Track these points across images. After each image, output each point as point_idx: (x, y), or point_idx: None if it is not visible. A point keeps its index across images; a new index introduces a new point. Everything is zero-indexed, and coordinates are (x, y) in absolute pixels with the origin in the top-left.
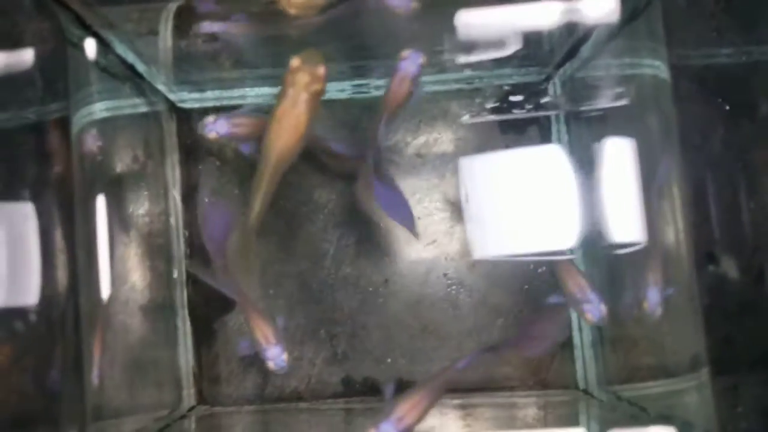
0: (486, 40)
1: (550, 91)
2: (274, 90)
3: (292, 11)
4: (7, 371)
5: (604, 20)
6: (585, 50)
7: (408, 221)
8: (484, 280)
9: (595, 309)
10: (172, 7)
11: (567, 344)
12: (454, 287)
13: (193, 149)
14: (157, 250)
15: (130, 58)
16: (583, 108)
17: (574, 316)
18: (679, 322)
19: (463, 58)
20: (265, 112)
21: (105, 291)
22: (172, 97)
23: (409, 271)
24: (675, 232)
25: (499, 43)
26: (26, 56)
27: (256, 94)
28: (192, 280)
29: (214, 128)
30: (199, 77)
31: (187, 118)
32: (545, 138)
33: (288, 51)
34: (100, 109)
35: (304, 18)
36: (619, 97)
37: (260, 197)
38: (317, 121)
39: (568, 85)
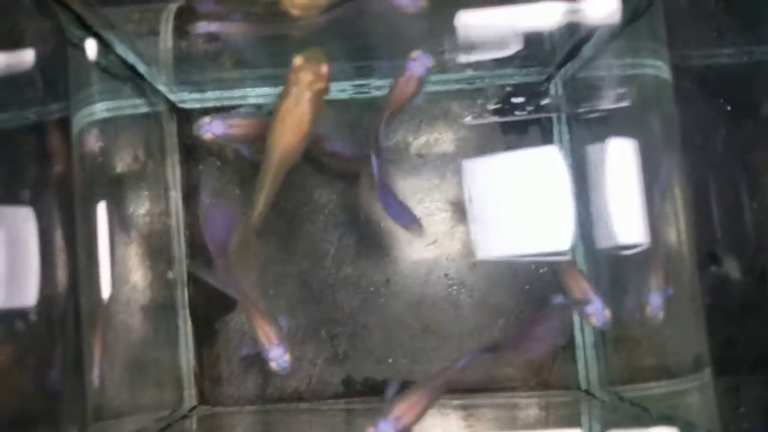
0: (487, 40)
1: (552, 91)
2: (275, 90)
3: (295, 12)
4: (7, 371)
5: (605, 21)
6: (586, 50)
7: (409, 222)
8: (485, 281)
9: (599, 314)
10: (173, 7)
11: (569, 345)
12: (455, 287)
13: (193, 149)
14: (157, 250)
15: (131, 58)
16: (584, 108)
17: (576, 316)
18: (682, 323)
19: (464, 58)
20: (264, 113)
21: (105, 291)
22: (172, 97)
23: (410, 271)
24: (677, 232)
25: (500, 43)
26: (27, 56)
27: (256, 94)
28: (193, 280)
29: (210, 129)
30: (200, 78)
31: (187, 119)
32: (546, 139)
33: (289, 51)
34: (100, 109)
35: (306, 18)
36: (620, 97)
37: (263, 196)
38: (320, 120)
39: (570, 85)
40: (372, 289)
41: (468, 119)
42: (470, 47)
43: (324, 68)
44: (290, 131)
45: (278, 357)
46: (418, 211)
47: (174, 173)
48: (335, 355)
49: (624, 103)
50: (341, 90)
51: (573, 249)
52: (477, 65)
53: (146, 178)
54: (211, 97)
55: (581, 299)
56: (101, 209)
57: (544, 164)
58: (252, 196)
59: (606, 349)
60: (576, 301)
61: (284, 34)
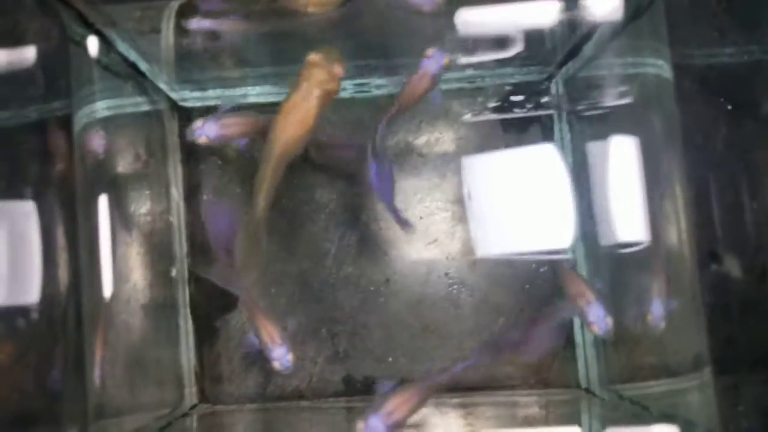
0: (488, 38)
1: (552, 90)
2: (276, 88)
3: (311, 9)
4: (8, 370)
5: (606, 19)
6: (587, 49)
7: (395, 211)
8: (485, 280)
9: (601, 322)
10: (175, 5)
11: (569, 343)
12: (455, 286)
13: (194, 148)
14: (158, 249)
15: (132, 56)
16: (585, 107)
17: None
18: (682, 322)
19: (465, 57)
20: (257, 110)
21: (107, 290)
22: (174, 95)
23: (410, 271)
24: (678, 231)
25: (501, 42)
26: (28, 54)
27: (258, 92)
28: (194, 279)
29: (204, 132)
30: (201, 76)
31: (188, 117)
32: (547, 137)
33: (290, 49)
34: (102, 107)
35: (320, 14)
36: (621, 96)
37: (264, 188)
38: (324, 120)
39: (571, 84)
40: (372, 288)
41: (468, 118)
42: (471, 46)
43: (338, 69)
44: (294, 125)
45: (281, 357)
46: (418, 210)
47: (175, 172)
48: (336, 353)
49: (625, 102)
50: (342, 89)
51: (573, 248)
52: (478, 64)
53: (147, 177)
54: (213, 96)
55: (583, 307)
56: (102, 207)
57: (544, 162)
58: (252, 189)
59: (606, 348)
60: (578, 309)
61: (285, 32)
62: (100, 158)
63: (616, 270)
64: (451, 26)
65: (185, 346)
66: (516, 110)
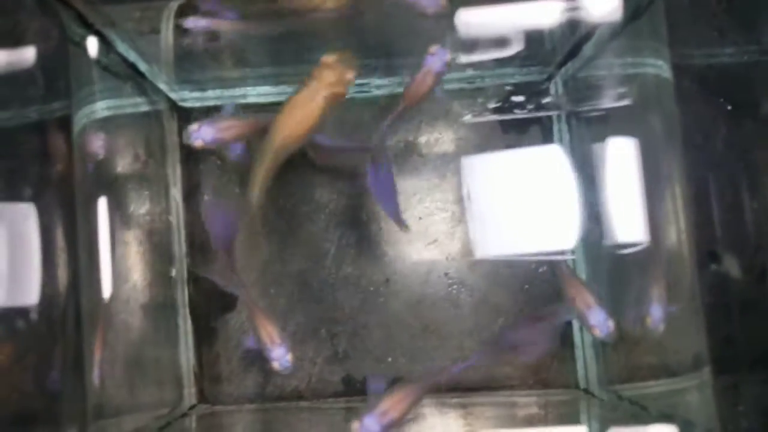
0: (488, 39)
1: (552, 90)
2: (276, 89)
3: (329, 4)
4: (8, 370)
5: (606, 19)
6: (587, 49)
7: (398, 214)
8: (484, 280)
9: (602, 325)
10: (174, 5)
11: (568, 344)
12: (455, 287)
13: (193, 148)
14: (158, 249)
15: (132, 56)
16: (584, 107)
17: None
18: (681, 322)
19: (465, 58)
20: (254, 112)
21: (106, 290)
22: (173, 96)
23: (410, 271)
24: (677, 231)
25: (501, 42)
26: (28, 54)
27: (257, 93)
28: (193, 279)
29: (200, 136)
30: (201, 76)
31: (188, 117)
32: (547, 138)
33: (289, 50)
34: (101, 107)
35: (323, 14)
36: (621, 96)
37: (258, 182)
38: (326, 122)
39: (570, 84)
40: (372, 288)
41: (468, 118)
42: (471, 46)
43: (350, 74)
44: (296, 121)
45: (280, 357)
46: (418, 210)
47: (175, 172)
48: (335, 354)
49: (624, 102)
50: None
51: (573, 250)
52: (478, 64)
53: (147, 177)
54: (212, 96)
55: (585, 311)
56: (102, 208)
57: (544, 163)
58: (248, 181)
59: (605, 348)
60: (579, 313)
61: (285, 33)
62: (99, 158)
63: (615, 271)
64: (451, 26)
65: (184, 346)
66: (516, 111)
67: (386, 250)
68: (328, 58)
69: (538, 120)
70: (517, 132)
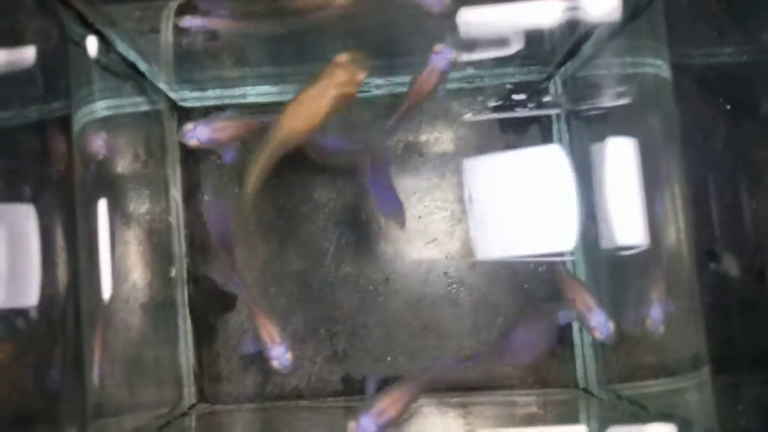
0: (488, 38)
1: (552, 89)
2: (276, 88)
3: (335, 3)
4: (8, 369)
5: (605, 19)
6: (586, 49)
7: (393, 211)
8: (484, 279)
9: (603, 327)
10: (173, 5)
11: (567, 343)
12: (454, 286)
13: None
14: (157, 249)
15: (132, 56)
16: (584, 107)
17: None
18: (680, 321)
19: (464, 57)
20: (252, 113)
21: (106, 289)
22: (173, 95)
23: (409, 270)
24: (676, 231)
25: (501, 42)
26: (28, 54)
27: (257, 92)
28: (193, 279)
29: (195, 135)
30: (201, 76)
31: (188, 117)
32: (546, 137)
33: (289, 50)
34: (101, 107)
35: (323, 14)
36: (620, 96)
37: (255, 173)
38: (331, 122)
39: (570, 84)
40: (371, 287)
41: (468, 117)
42: (471, 45)
43: (360, 76)
44: (301, 117)
45: (280, 356)
46: (417, 209)
47: (174, 171)
48: (334, 353)
49: (624, 102)
50: None
51: (572, 251)
52: (477, 63)
53: (147, 177)
54: (212, 96)
55: (585, 313)
56: (102, 207)
57: (545, 163)
58: (244, 173)
59: (604, 348)
60: (580, 315)
61: (285, 32)
62: (99, 158)
63: (615, 272)
64: (452, 26)
65: (184, 345)
66: (515, 110)
67: (385, 250)
68: (341, 58)
69: (537, 119)
70: (517, 131)
